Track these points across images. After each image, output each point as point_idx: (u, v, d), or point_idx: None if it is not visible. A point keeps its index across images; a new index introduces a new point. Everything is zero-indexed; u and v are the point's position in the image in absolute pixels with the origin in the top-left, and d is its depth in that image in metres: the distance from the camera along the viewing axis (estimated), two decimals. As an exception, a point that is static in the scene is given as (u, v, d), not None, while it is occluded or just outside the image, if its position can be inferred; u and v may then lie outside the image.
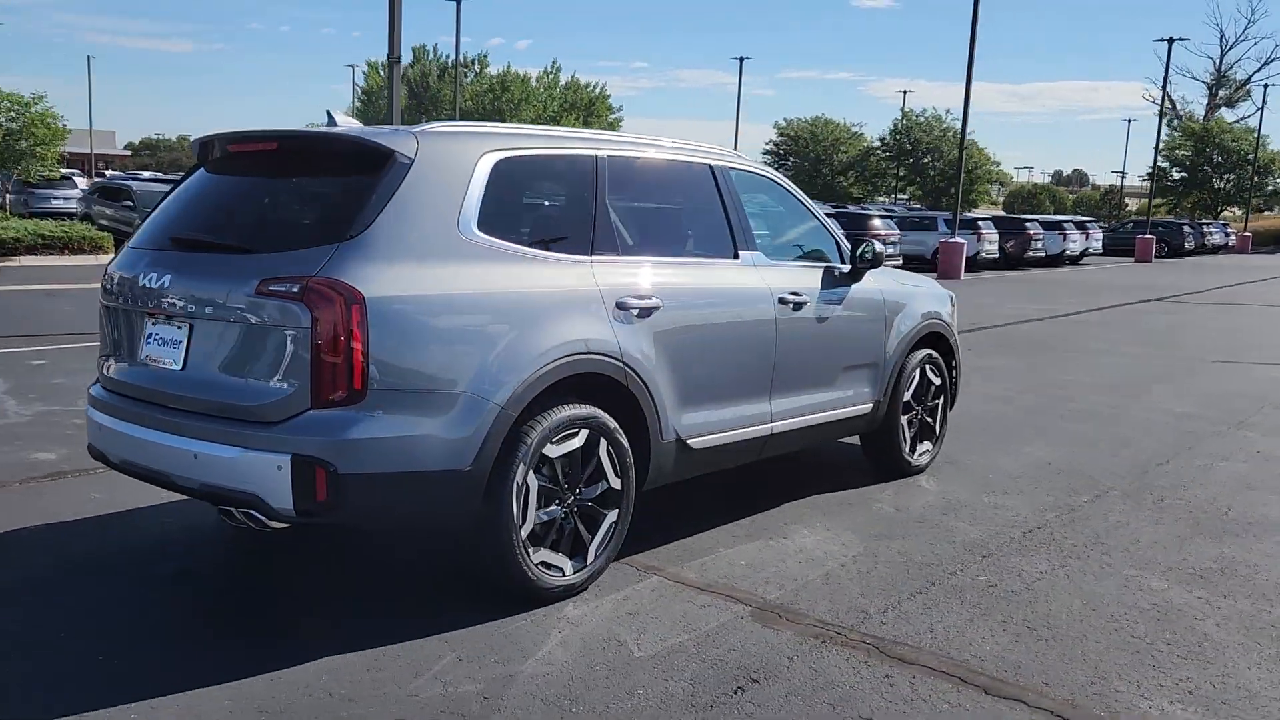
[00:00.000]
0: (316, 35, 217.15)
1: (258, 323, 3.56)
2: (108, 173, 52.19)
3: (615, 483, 4.26)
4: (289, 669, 3.44)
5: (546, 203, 4.46)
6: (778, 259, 5.31)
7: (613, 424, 4.21)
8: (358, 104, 69.02)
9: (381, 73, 67.47)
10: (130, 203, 24.27)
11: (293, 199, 3.97)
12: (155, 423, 3.80)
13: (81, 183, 33.96)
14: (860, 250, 5.61)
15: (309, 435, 3.46)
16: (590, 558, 4.20)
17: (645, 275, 4.42)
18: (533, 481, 3.91)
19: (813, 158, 63.08)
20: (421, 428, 3.59)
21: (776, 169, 73.85)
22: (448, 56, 69.17)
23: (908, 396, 6.13)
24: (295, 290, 3.46)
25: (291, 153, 4.03)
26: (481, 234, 3.88)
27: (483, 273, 3.83)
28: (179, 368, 3.79)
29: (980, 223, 31.79)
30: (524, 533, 3.90)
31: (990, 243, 31.52)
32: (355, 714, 3.17)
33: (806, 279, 5.34)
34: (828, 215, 6.09)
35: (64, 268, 19.29)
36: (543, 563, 4.01)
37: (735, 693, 3.38)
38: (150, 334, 3.91)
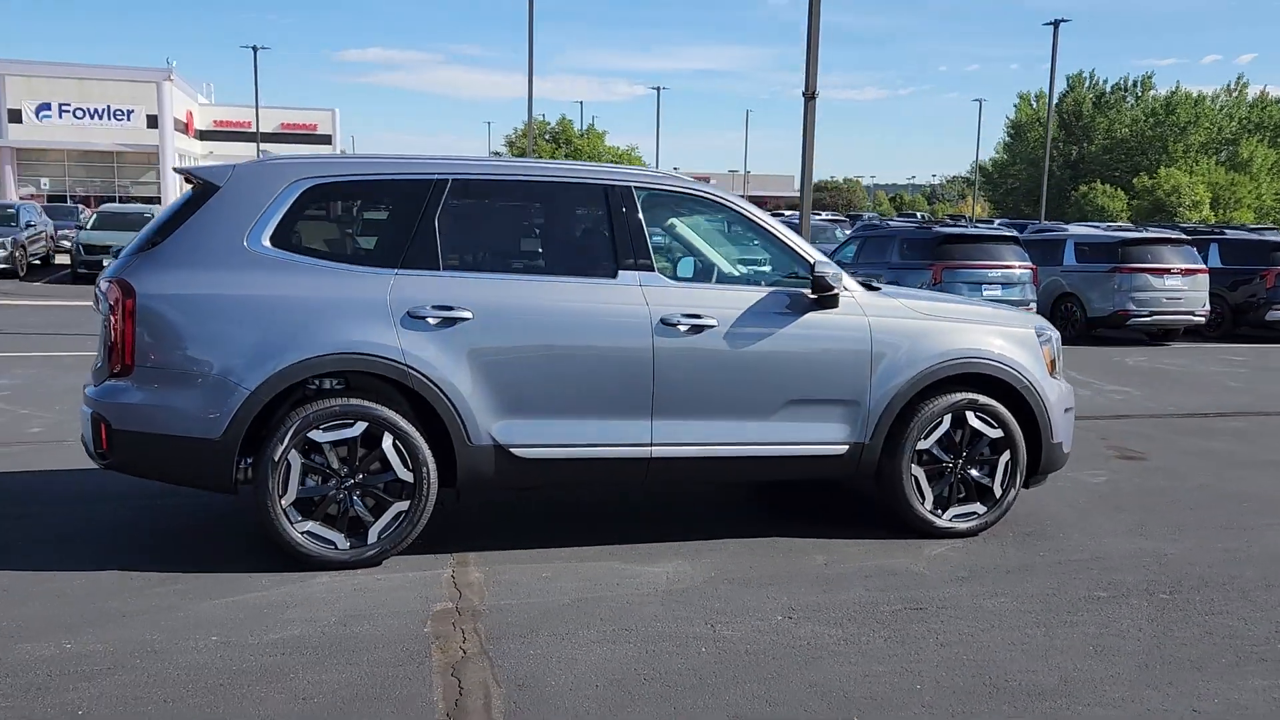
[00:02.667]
0: (1004, 71, 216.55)
1: (100, 311, 4.79)
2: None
3: (405, 475, 4.71)
4: (88, 571, 4.59)
5: (359, 222, 5.02)
6: (695, 281, 5.17)
7: (399, 420, 4.67)
8: (1006, 137, 68.08)
9: (1033, 104, 65.79)
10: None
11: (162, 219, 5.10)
12: None
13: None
14: (812, 274, 5.12)
15: (100, 398, 4.61)
16: (370, 539, 4.71)
17: (458, 289, 4.78)
18: (294, 459, 4.58)
19: None
20: (179, 400, 4.52)
21: None
22: (1105, 81, 65.10)
23: (925, 445, 5.35)
24: (105, 288, 4.63)
25: (188, 183, 5.19)
26: (273, 247, 4.68)
27: (261, 279, 4.62)
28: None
29: None
30: (284, 503, 4.59)
31: None
32: (36, 605, 4.21)
33: (724, 302, 5.09)
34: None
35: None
36: (309, 533, 4.64)
37: (273, 655, 3.76)
38: None
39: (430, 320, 4.71)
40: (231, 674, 3.62)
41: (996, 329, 5.54)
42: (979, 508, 5.51)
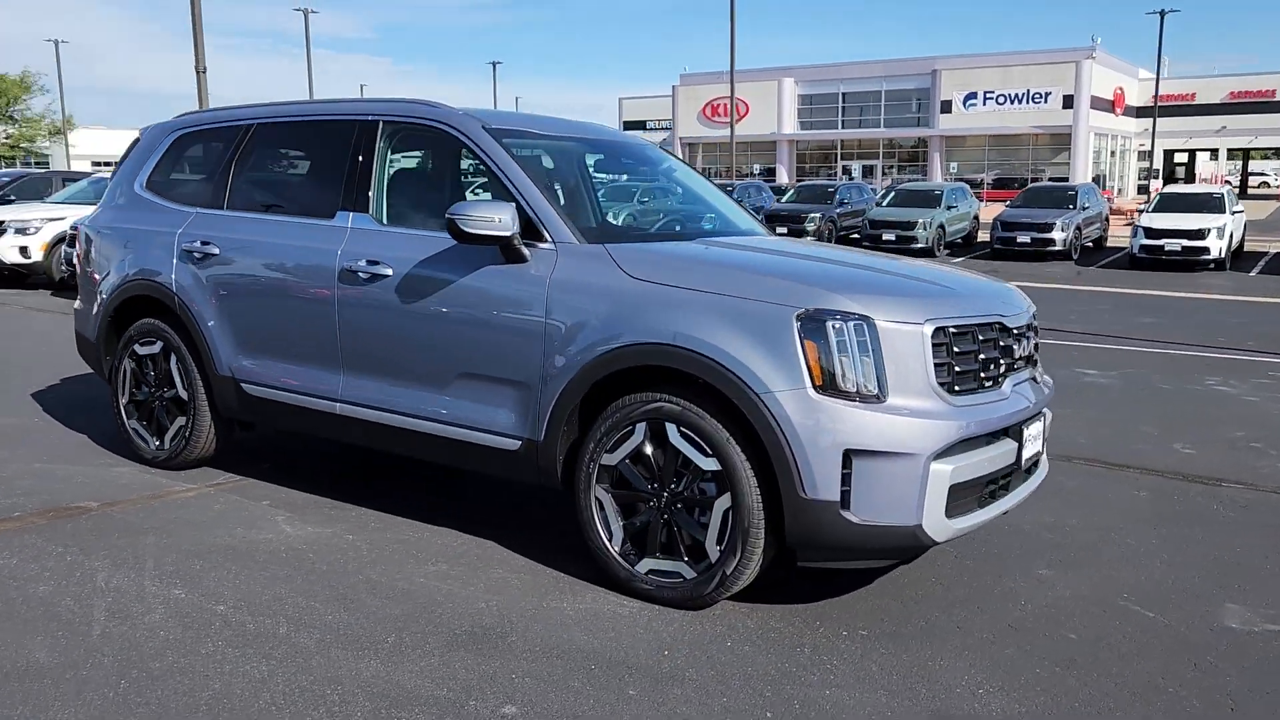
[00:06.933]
0: None
1: None
2: None
3: (182, 393, 5.22)
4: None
5: (192, 167, 5.33)
6: (413, 226, 4.49)
7: (176, 340, 5.19)
8: None
9: None
10: None
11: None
12: None
13: None
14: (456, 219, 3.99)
15: None
16: (164, 444, 5.33)
17: (219, 226, 5.03)
18: (128, 366, 5.44)
19: None
20: (85, 307, 5.73)
21: None
22: None
23: (612, 460, 3.82)
24: None
25: None
26: (146, 191, 5.53)
27: (132, 216, 5.51)
28: None
29: None
30: (121, 401, 5.49)
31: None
32: (-3, 443, 5.87)
33: (408, 249, 4.35)
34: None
35: None
36: (135, 430, 5.46)
37: (-76, 501, 4.80)
38: None
39: (195, 254, 5.08)
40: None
41: (724, 301, 3.59)
42: (684, 569, 3.72)
